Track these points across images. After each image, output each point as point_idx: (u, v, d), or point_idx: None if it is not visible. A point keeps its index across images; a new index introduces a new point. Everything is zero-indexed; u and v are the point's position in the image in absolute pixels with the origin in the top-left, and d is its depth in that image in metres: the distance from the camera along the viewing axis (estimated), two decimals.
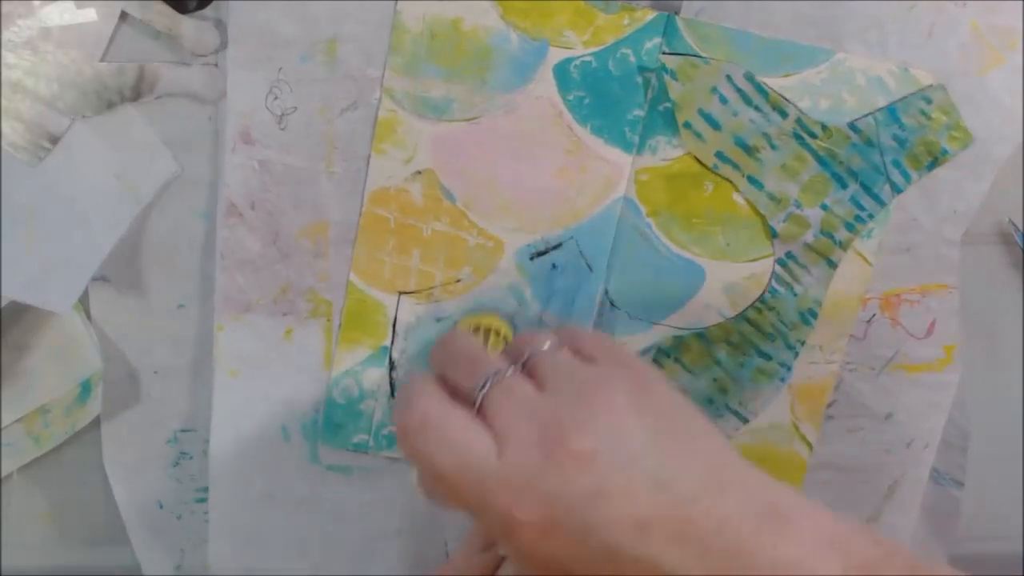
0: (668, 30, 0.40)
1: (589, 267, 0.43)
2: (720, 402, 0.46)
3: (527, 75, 0.40)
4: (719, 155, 0.42)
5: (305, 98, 0.40)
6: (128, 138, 0.40)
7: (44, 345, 0.42)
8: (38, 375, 0.42)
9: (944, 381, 0.46)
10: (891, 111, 0.42)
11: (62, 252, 0.39)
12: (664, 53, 0.40)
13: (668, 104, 0.41)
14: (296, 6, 0.39)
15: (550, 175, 0.42)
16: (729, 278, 0.44)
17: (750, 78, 0.41)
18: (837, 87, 0.41)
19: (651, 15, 0.40)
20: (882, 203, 0.43)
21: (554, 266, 0.43)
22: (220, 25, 0.39)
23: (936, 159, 0.42)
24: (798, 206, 0.43)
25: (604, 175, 0.42)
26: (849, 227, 0.43)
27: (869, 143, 0.42)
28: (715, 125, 0.41)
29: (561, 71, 0.40)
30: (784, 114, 0.41)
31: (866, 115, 0.42)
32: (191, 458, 0.46)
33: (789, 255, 0.44)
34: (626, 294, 0.44)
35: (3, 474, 0.44)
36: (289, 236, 0.42)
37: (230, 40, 0.39)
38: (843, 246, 0.43)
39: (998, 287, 0.47)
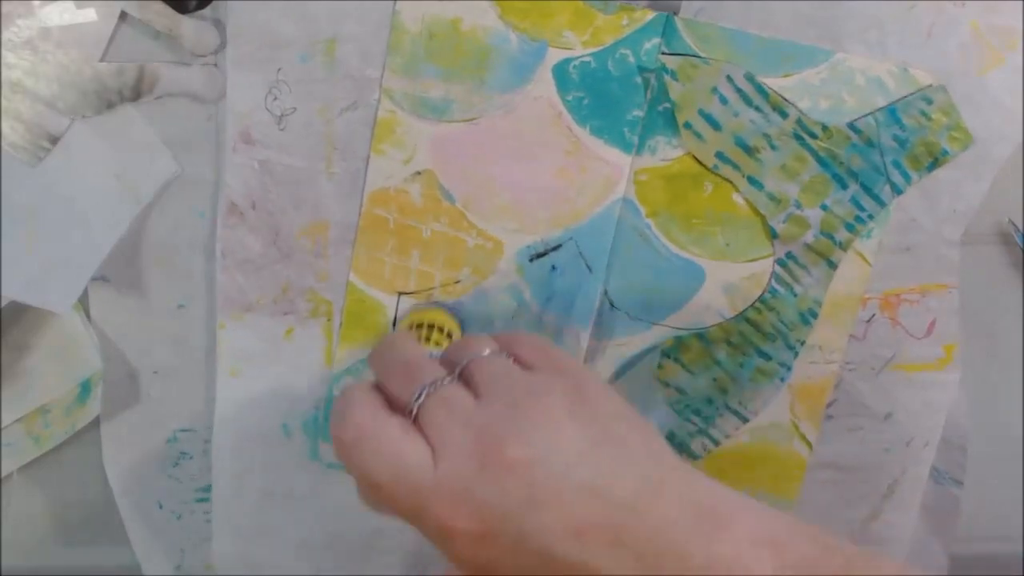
0: (667, 30, 0.40)
1: (589, 268, 0.43)
2: (720, 402, 0.46)
3: (526, 75, 0.40)
4: (719, 155, 0.42)
5: (304, 98, 0.40)
6: (128, 138, 0.40)
7: (44, 345, 0.42)
8: (38, 375, 0.42)
9: (944, 381, 0.46)
10: (891, 111, 0.42)
11: (62, 252, 0.39)
12: (663, 53, 0.40)
13: (668, 104, 0.41)
14: (295, 6, 0.39)
15: (549, 176, 0.42)
16: (729, 278, 0.44)
17: (750, 78, 0.41)
18: (837, 87, 0.41)
19: (650, 15, 0.40)
20: (882, 203, 0.43)
21: (554, 267, 0.43)
22: (220, 25, 0.39)
23: (936, 160, 0.42)
24: (798, 206, 0.43)
25: (603, 176, 0.42)
26: (849, 227, 0.43)
27: (869, 143, 0.42)
28: (715, 125, 0.41)
29: (560, 71, 0.40)
30: (784, 114, 0.41)
31: (866, 115, 0.42)
32: (191, 458, 0.46)
33: (789, 255, 0.44)
34: (626, 295, 0.44)
35: (3, 474, 0.44)
36: (289, 236, 0.42)
37: (229, 40, 0.39)
38: (843, 246, 0.43)
39: (998, 287, 0.47)
